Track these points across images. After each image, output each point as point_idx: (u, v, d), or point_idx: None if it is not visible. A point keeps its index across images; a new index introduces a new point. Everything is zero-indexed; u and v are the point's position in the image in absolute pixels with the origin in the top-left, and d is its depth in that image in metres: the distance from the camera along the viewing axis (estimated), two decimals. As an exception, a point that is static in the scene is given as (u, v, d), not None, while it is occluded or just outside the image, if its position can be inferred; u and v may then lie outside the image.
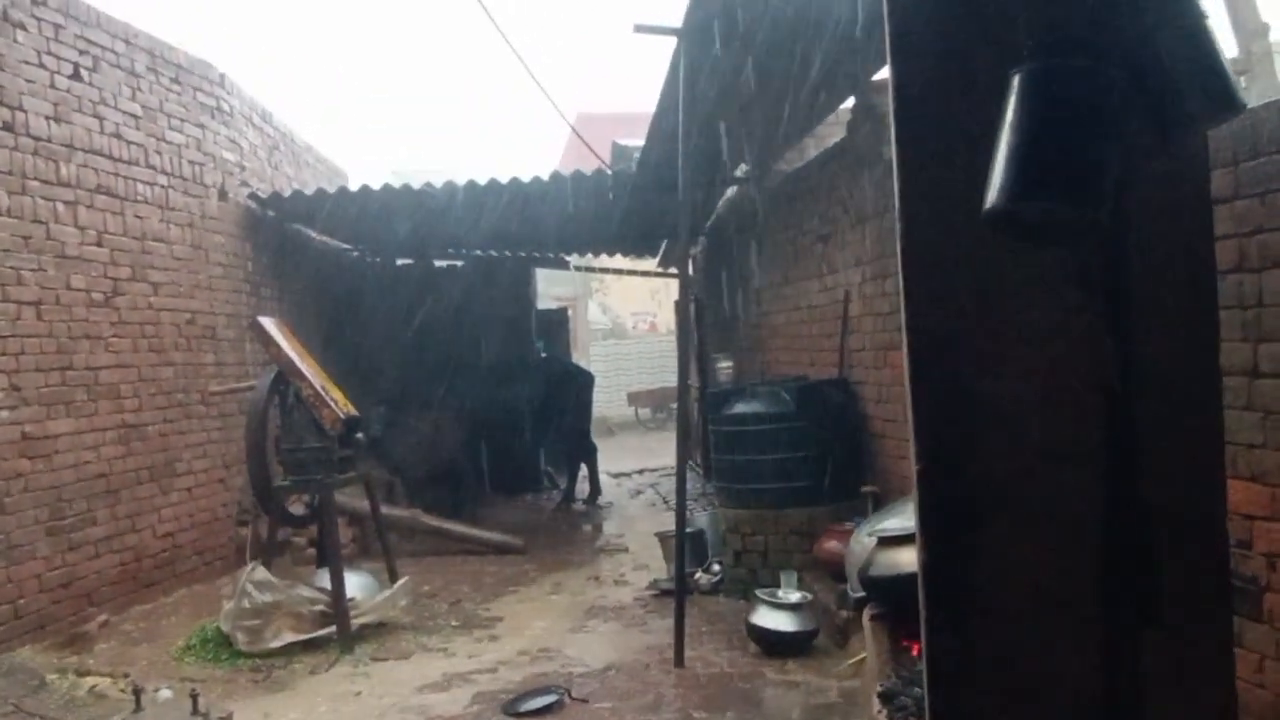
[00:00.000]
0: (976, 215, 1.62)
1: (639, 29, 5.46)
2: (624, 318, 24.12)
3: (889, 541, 4.35)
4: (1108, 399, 1.66)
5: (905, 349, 1.83)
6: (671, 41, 5.63)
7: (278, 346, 6.19)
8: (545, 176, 8.82)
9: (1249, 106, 3.09)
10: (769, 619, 5.21)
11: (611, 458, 13.84)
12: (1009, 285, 1.73)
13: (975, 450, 1.75)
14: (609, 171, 9.04)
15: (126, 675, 5.22)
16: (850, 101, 7.01)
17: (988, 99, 1.66)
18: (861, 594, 4.68)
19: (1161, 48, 1.59)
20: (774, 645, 5.17)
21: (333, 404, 6.04)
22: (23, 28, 6.09)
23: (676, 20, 5.43)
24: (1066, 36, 1.59)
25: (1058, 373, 1.70)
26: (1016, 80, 1.59)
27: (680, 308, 5.61)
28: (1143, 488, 1.65)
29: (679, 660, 5.12)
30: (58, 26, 6.40)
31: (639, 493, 11.68)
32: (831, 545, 5.68)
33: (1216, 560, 1.68)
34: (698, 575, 6.70)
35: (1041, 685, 1.73)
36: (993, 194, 1.57)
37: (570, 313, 18.52)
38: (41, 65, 6.24)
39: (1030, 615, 1.73)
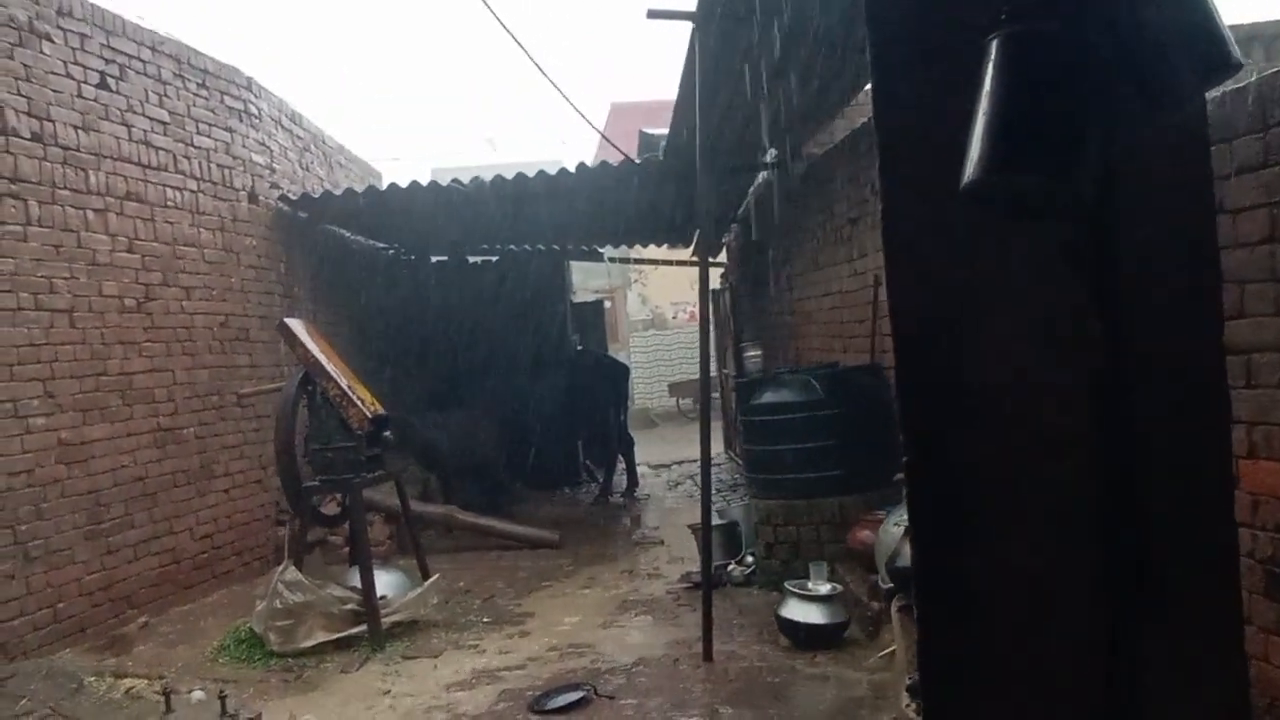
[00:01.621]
0: (959, 193, 1.54)
1: (652, 14, 5.37)
2: (664, 308, 24.03)
3: (916, 531, 4.24)
4: (1101, 386, 1.56)
5: (891, 337, 1.74)
6: (689, 26, 5.55)
7: (304, 347, 6.22)
8: (572, 169, 8.77)
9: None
10: (798, 611, 5.12)
11: (652, 449, 13.79)
12: (995, 268, 1.63)
13: (964, 442, 1.66)
14: (636, 162, 8.97)
15: (162, 677, 5.27)
16: (876, 81, 6.84)
17: (969, 71, 1.56)
18: (890, 585, 4.57)
19: (1149, 7, 1.48)
20: (804, 638, 5.08)
21: (359, 403, 6.05)
22: (49, 39, 6.17)
23: (692, 4, 5.35)
24: (1044, -2, 1.49)
25: (1048, 359, 1.60)
26: (993, 46, 1.50)
27: (701, 298, 5.53)
28: (1140, 479, 1.55)
29: (707, 654, 5.06)
30: (84, 36, 6.47)
31: (678, 484, 11.61)
32: (863, 535, 5.57)
33: (1221, 554, 1.58)
34: (731, 567, 6.63)
35: (1038, 685, 1.64)
36: (969, 167, 1.48)
37: (609, 304, 18.49)
38: (69, 75, 6.32)
39: (1026, 613, 1.64)
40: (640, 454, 11.83)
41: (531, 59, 7.41)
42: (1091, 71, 1.47)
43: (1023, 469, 1.63)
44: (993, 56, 1.50)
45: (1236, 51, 1.47)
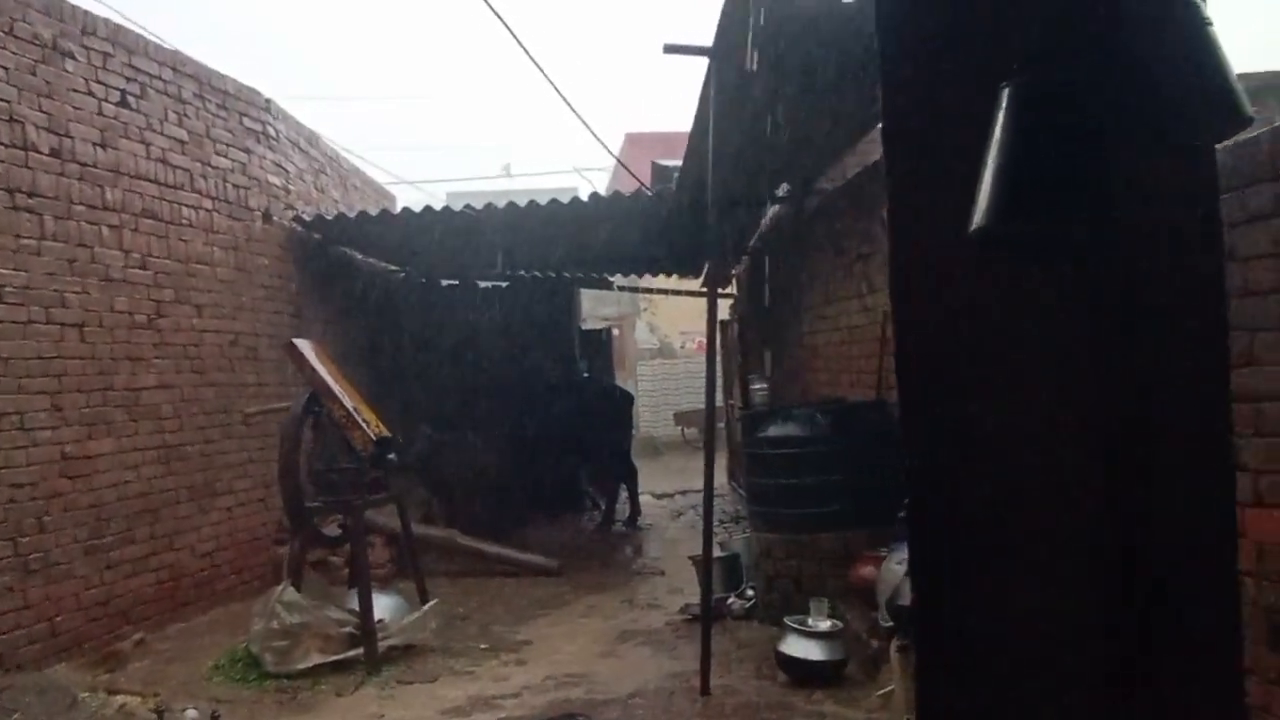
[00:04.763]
0: (967, 235, 1.54)
1: (669, 49, 5.42)
2: (672, 337, 24.05)
3: (919, 571, 4.21)
4: (1108, 429, 1.55)
5: (896, 377, 1.74)
6: (704, 62, 5.60)
7: (311, 368, 6.24)
8: (585, 198, 8.83)
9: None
10: (797, 647, 5.08)
11: (656, 478, 13.76)
12: (1003, 309, 1.64)
13: (968, 485, 1.65)
14: (649, 192, 9.02)
15: (156, 694, 5.24)
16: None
17: (980, 114, 1.58)
18: (890, 623, 4.53)
19: (1161, 57, 1.49)
20: (803, 674, 5.04)
21: (364, 425, 6.06)
22: (71, 56, 6.24)
23: (708, 39, 5.39)
24: (1056, 48, 1.50)
25: (1054, 402, 1.60)
26: (1005, 94, 1.51)
27: (709, 329, 5.54)
28: (1146, 524, 1.54)
29: (705, 688, 5.01)
30: (106, 55, 6.55)
31: (680, 514, 11.58)
32: (865, 571, 5.52)
33: (1226, 602, 1.57)
34: (731, 600, 6.58)
35: (1038, 737, 1.62)
36: (979, 213, 1.49)
37: (617, 332, 18.51)
38: (89, 93, 6.39)
39: (1030, 662, 1.63)
40: (644, 483, 11.80)
41: (551, 82, 7.43)
42: (1103, 120, 1.48)
43: (1026, 513, 1.62)
44: (1004, 104, 1.51)
45: (1247, 104, 1.48)
